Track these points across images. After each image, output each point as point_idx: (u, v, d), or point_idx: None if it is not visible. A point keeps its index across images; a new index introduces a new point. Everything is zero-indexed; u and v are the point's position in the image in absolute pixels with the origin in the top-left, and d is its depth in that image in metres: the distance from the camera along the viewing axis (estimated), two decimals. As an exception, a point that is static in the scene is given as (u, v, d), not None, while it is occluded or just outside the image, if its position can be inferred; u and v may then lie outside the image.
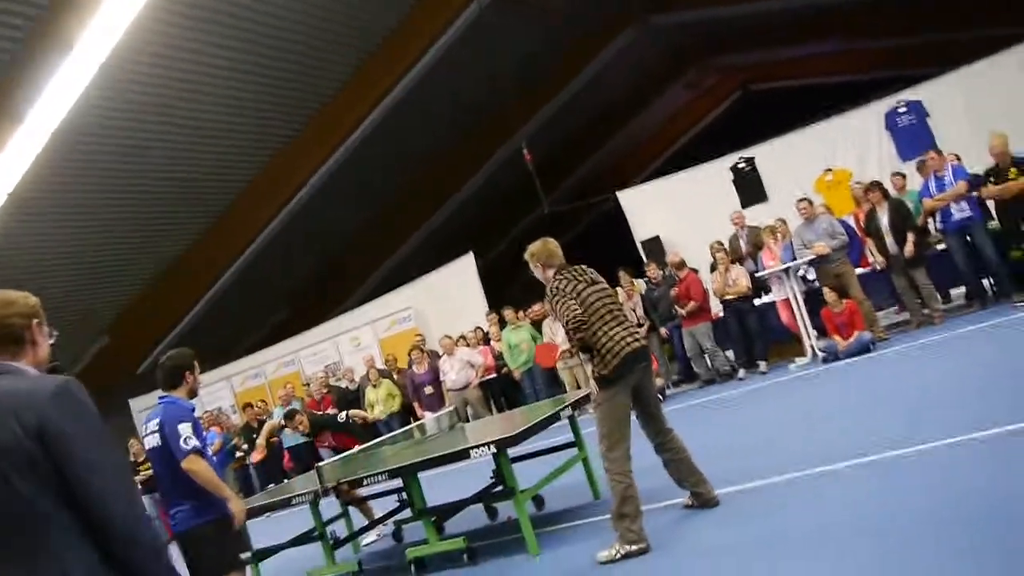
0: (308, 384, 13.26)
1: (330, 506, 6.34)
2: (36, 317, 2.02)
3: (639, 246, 12.20)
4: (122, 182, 11.84)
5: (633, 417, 4.37)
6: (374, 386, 11.60)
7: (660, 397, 7.70)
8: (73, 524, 1.76)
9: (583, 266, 4.56)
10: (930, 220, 8.77)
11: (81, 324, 13.96)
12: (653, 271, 10.28)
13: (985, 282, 8.61)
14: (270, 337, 16.68)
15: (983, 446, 4.06)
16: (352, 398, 12.18)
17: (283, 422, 7.15)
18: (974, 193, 8.07)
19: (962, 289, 8.93)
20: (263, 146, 13.01)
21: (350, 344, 14.26)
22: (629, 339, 4.30)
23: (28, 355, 1.98)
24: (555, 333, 10.29)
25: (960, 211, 8.05)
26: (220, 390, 15.37)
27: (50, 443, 1.76)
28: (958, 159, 8.68)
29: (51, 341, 2.08)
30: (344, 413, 7.39)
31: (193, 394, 4.10)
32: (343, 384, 12.67)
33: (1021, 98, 10.04)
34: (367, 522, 6.68)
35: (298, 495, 5.62)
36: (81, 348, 14.52)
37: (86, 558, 1.76)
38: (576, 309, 4.24)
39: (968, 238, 8.13)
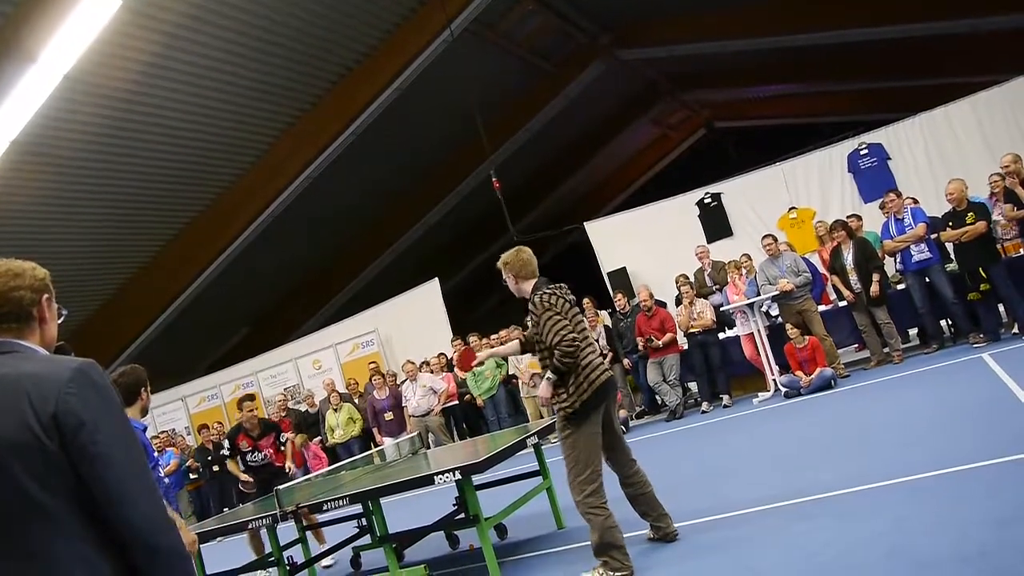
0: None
1: (286, 530, 6.18)
2: (46, 292, 1.79)
3: (605, 277, 12.26)
4: (77, 199, 11.64)
5: None
6: (335, 410, 11.43)
7: (624, 429, 7.69)
8: (84, 531, 1.55)
9: (563, 285, 4.48)
10: (888, 259, 8.96)
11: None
12: (621, 302, 10.33)
13: (943, 323, 8.81)
14: (228, 358, 16.38)
15: (942, 483, 4.11)
16: (312, 422, 12.00)
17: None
18: (932, 236, 8.29)
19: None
20: (229, 166, 12.89)
21: (311, 367, 14.06)
22: (602, 367, 4.27)
23: (35, 334, 1.76)
24: (519, 360, 10.25)
25: (919, 253, 8.24)
26: (175, 411, 15.01)
27: (67, 435, 1.54)
28: (915, 202, 8.92)
29: (59, 320, 1.85)
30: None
31: (144, 412, 4.05)
32: (303, 408, 12.47)
33: (975, 145, 10.40)
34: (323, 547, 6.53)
35: (255, 519, 5.47)
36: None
37: (98, 571, 1.56)
38: (569, 330, 4.12)
39: (927, 279, 8.32)
